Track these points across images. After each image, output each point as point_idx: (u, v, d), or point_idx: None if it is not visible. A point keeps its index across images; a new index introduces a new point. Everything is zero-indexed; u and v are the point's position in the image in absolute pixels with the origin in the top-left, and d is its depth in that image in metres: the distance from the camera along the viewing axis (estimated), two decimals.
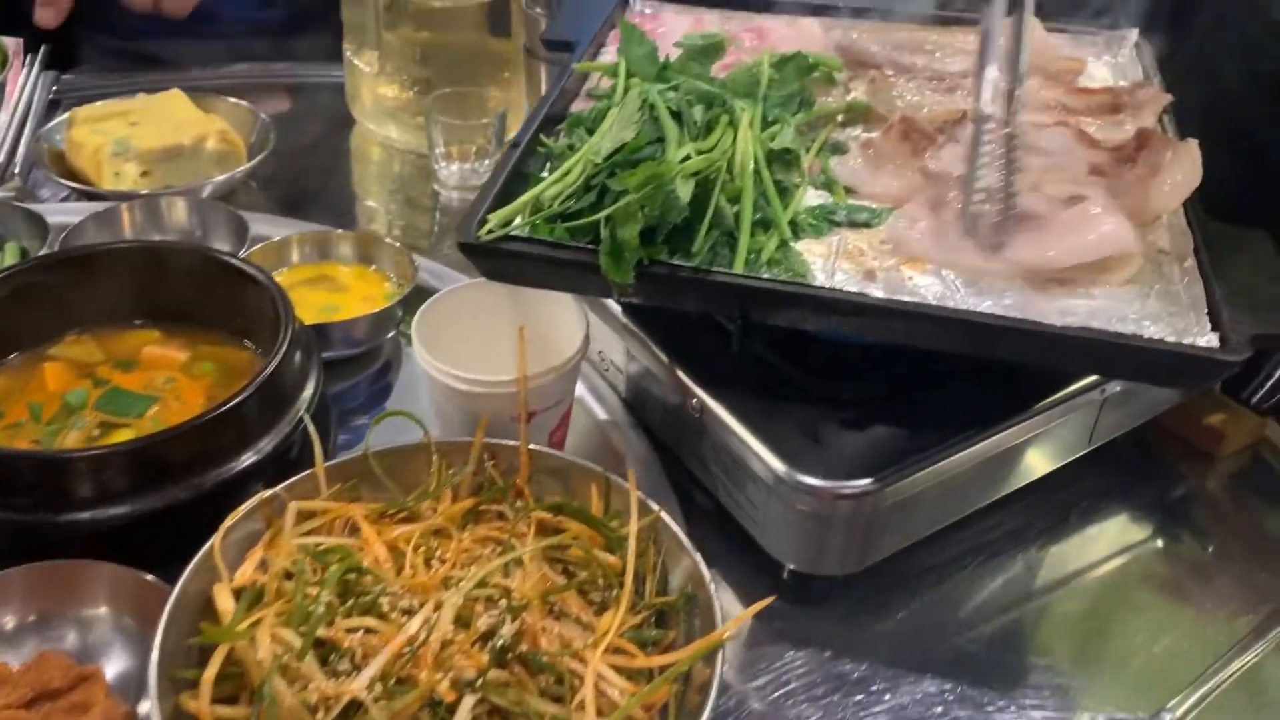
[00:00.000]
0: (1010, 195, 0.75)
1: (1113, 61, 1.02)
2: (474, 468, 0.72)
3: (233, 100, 1.23)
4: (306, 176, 1.26)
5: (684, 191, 0.69)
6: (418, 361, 0.77)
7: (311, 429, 0.71)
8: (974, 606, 0.81)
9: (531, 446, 0.73)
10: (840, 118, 0.91)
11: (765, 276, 0.71)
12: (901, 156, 0.85)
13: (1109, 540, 0.87)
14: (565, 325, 0.80)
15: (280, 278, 0.97)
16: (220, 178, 1.13)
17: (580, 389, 0.89)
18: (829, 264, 0.75)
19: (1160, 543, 0.88)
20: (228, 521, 0.66)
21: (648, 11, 1.08)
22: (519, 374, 0.74)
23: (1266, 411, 0.90)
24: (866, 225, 0.79)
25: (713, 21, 1.05)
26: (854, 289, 0.72)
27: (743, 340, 0.75)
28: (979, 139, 0.75)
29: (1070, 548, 0.86)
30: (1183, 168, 0.78)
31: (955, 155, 0.81)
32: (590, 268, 0.71)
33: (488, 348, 0.79)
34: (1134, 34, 1.02)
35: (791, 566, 0.78)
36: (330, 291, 0.97)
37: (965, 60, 0.98)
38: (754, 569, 0.79)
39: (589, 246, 0.72)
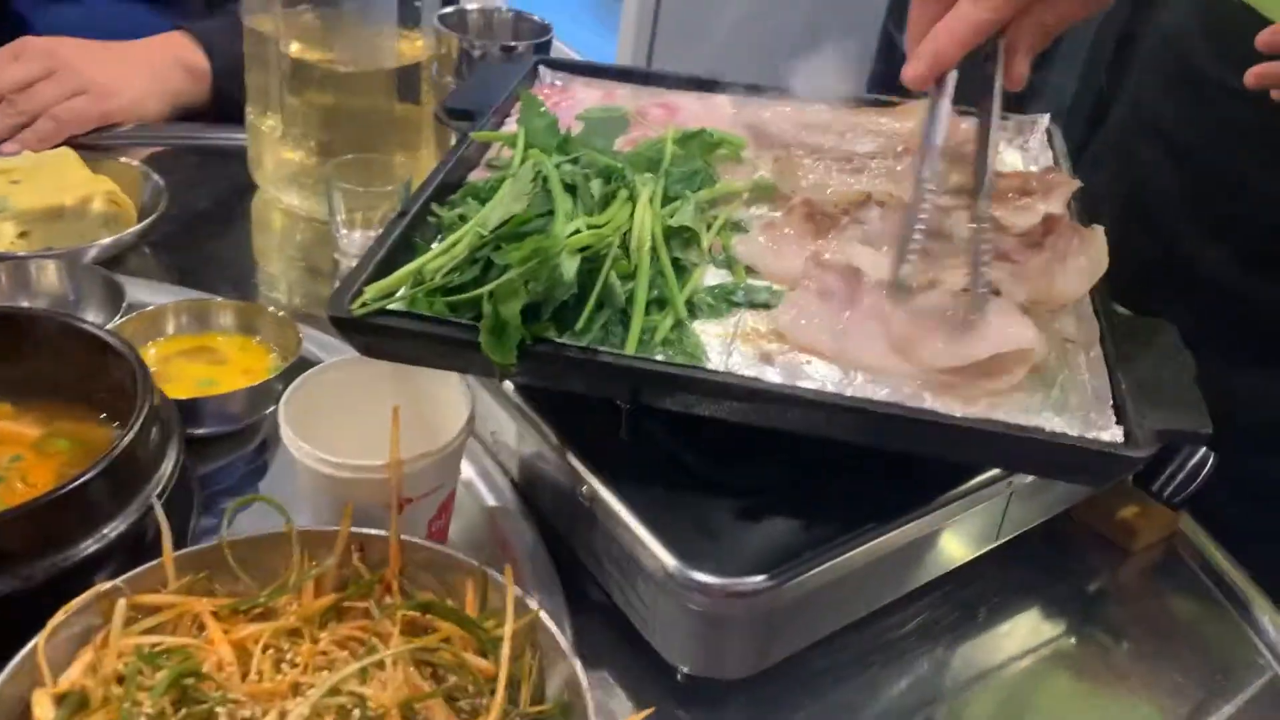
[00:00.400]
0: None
1: (1023, 147, 1.01)
2: (338, 560, 0.66)
3: (125, 161, 1.17)
4: (203, 242, 1.21)
5: (568, 267, 0.66)
6: (284, 443, 0.72)
7: (160, 513, 0.65)
8: (879, 709, 0.76)
9: (404, 538, 0.68)
10: (745, 197, 0.88)
11: (655, 358, 0.67)
12: (803, 238, 0.82)
13: (1020, 638, 0.83)
14: (449, 405, 0.76)
15: (156, 349, 0.91)
16: (106, 241, 1.07)
17: (468, 472, 0.84)
18: (726, 346, 0.72)
19: (1073, 640, 0.84)
20: (56, 618, 0.60)
21: (557, 83, 1.06)
22: (391, 458, 0.69)
23: (1178, 506, 0.87)
24: (766, 307, 0.76)
25: (624, 96, 1.03)
26: (750, 372, 0.69)
27: (633, 426, 0.70)
28: (910, 226, 0.73)
29: (979, 646, 0.82)
30: (1089, 254, 0.77)
31: (856, 238, 0.79)
32: (472, 345, 0.67)
33: (366, 428, 0.74)
34: (1045, 120, 1.01)
35: (685, 669, 0.73)
36: (209, 364, 0.92)
37: (875, 142, 0.96)
38: (648, 670, 0.74)
39: (470, 323, 0.67)
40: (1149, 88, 1.11)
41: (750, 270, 0.80)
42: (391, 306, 0.69)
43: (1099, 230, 0.77)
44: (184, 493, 0.77)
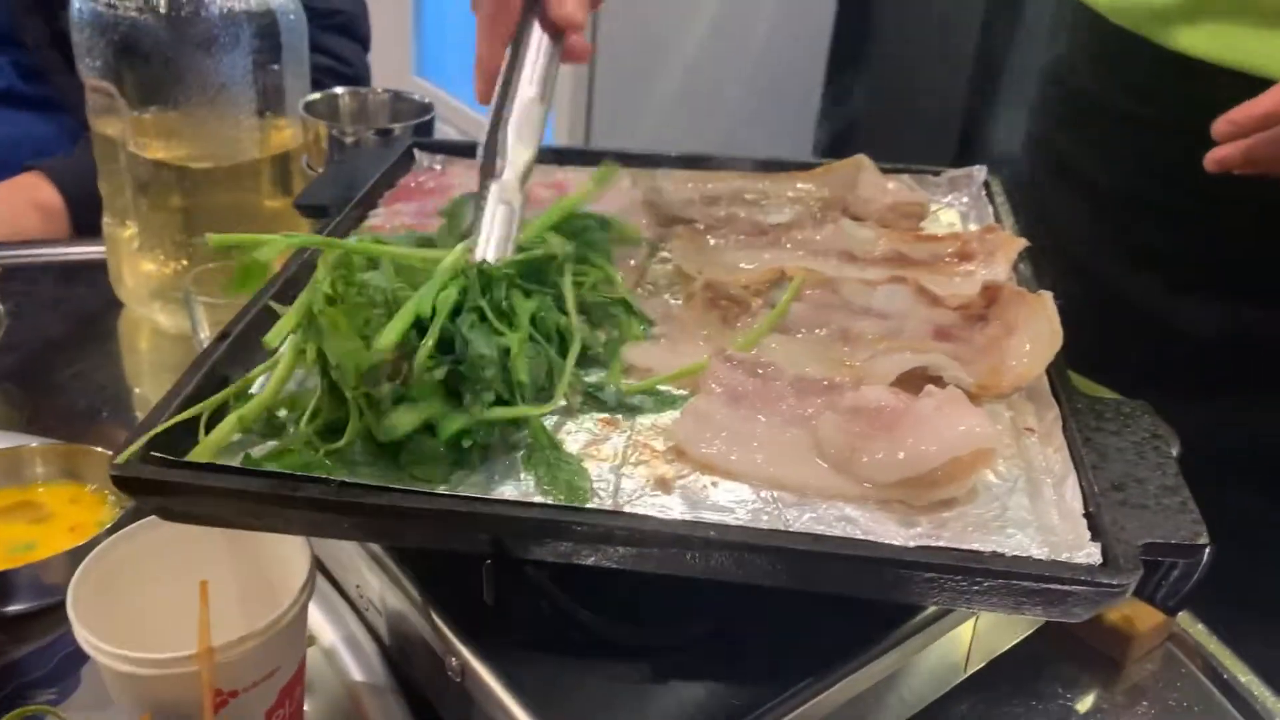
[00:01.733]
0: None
1: (959, 203, 0.90)
2: None
3: None
4: (60, 374, 1.08)
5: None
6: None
7: None
8: None
9: None
10: (639, 287, 0.76)
11: (507, 500, 0.54)
12: (709, 328, 0.70)
13: None
14: (289, 564, 0.62)
15: None
16: None
17: (330, 638, 0.71)
18: (614, 470, 0.59)
19: None
20: None
21: (435, 167, 0.94)
22: (199, 647, 0.55)
23: (1173, 610, 0.75)
24: (667, 409, 0.63)
25: None
26: (638, 508, 0.56)
27: (502, 582, 0.57)
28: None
29: None
30: (1039, 324, 0.65)
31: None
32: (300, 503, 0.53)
33: (193, 603, 0.60)
34: (981, 171, 0.90)
35: None
36: (30, 523, 0.78)
37: (792, 210, 0.85)
38: None
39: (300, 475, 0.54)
40: (1044, 126, 1.04)
41: (647, 374, 0.67)
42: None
43: (1046, 296, 0.65)
44: None
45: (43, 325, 1.10)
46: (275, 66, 1.02)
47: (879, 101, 2.62)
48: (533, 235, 0.71)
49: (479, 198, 0.69)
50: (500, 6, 0.72)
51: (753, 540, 0.52)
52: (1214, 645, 0.79)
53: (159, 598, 0.62)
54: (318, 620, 0.71)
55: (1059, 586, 0.51)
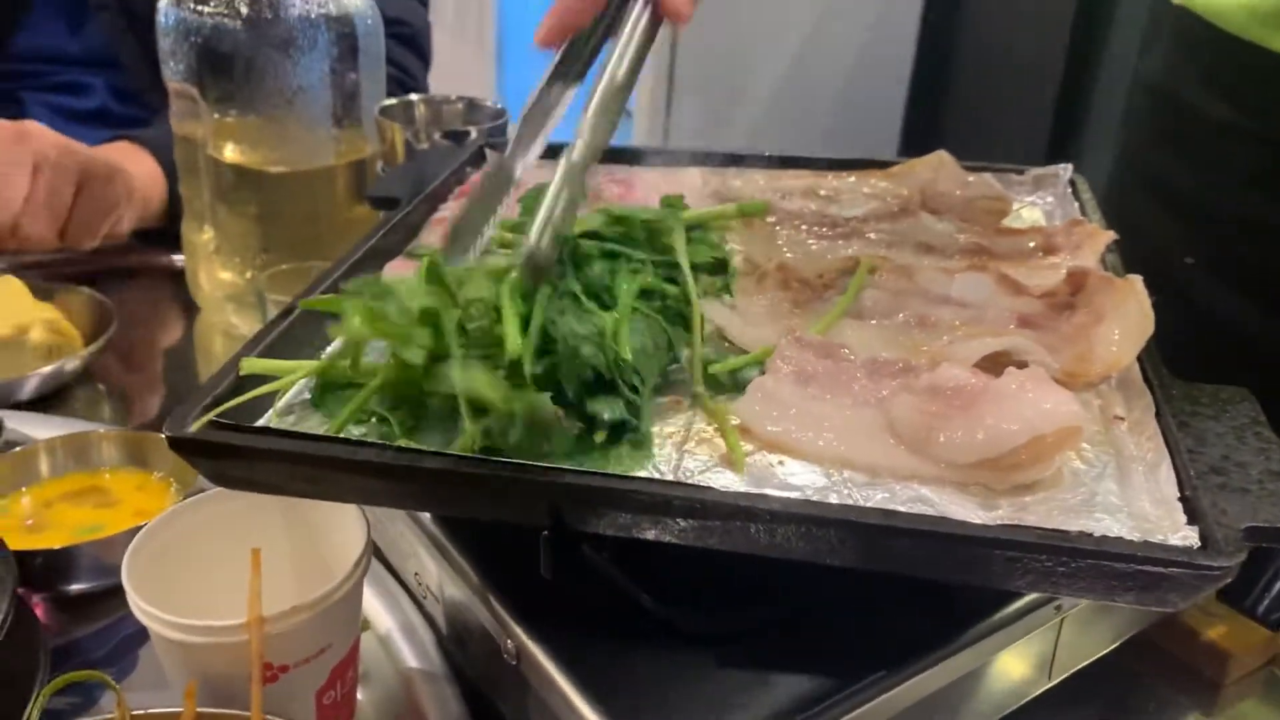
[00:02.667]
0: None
1: (1043, 202, 0.86)
2: None
3: (73, 287, 1.06)
4: (148, 371, 1.10)
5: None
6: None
7: None
8: None
9: (270, 718, 0.52)
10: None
11: (568, 468, 0.52)
12: (780, 310, 0.68)
13: None
14: (346, 541, 0.61)
15: (31, 496, 0.78)
16: (46, 370, 0.96)
17: (387, 624, 0.69)
18: (678, 448, 0.57)
19: None
20: None
21: None
22: (250, 615, 0.54)
23: (1276, 625, 0.70)
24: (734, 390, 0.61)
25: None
26: (702, 481, 0.54)
27: (560, 559, 0.55)
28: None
29: None
30: (1129, 310, 0.61)
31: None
32: (364, 469, 0.52)
33: (244, 582, 0.59)
34: (1067, 170, 0.87)
35: None
36: (97, 508, 0.78)
37: (867, 205, 0.82)
38: None
39: (367, 442, 0.53)
40: (1139, 141, 0.99)
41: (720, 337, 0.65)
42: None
43: (1136, 280, 0.62)
44: (28, 667, 0.62)
45: (135, 327, 1.12)
46: (352, 74, 1.03)
47: (964, 107, 2.58)
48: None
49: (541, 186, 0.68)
50: None
51: (819, 513, 0.50)
52: None
53: (216, 571, 0.61)
54: (375, 607, 0.69)
55: (1153, 569, 0.47)
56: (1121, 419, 0.60)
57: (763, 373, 0.61)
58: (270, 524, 0.63)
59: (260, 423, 0.58)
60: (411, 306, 0.55)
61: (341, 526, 0.61)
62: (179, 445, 0.54)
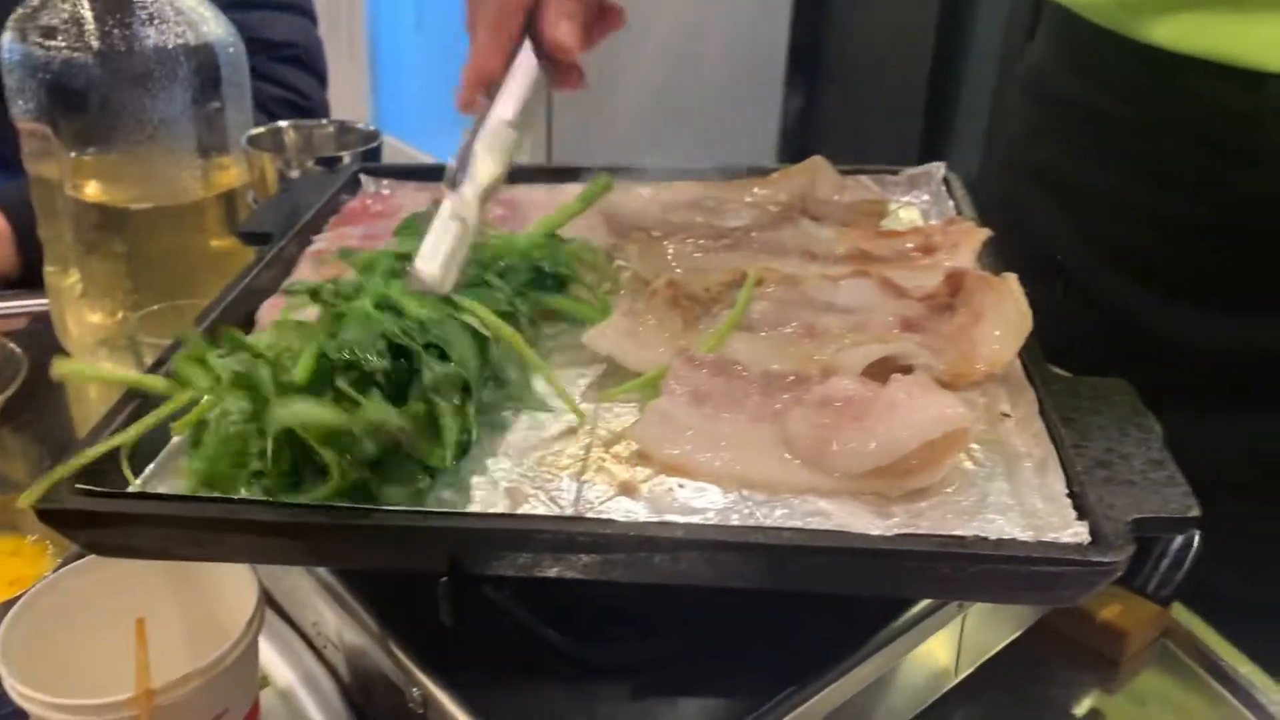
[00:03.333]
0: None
1: (919, 201, 0.88)
2: None
3: None
4: (12, 423, 1.04)
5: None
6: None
7: None
8: None
9: None
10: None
11: (461, 511, 0.51)
12: (671, 328, 0.67)
13: None
14: (236, 599, 0.58)
15: None
16: None
17: (288, 677, 0.67)
18: (576, 478, 0.56)
19: None
20: None
21: (383, 191, 0.92)
22: (137, 688, 0.51)
23: (1166, 600, 0.72)
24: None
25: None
26: (602, 515, 0.53)
27: (461, 602, 0.53)
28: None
29: None
30: (1006, 308, 0.62)
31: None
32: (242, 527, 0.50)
33: (129, 652, 0.57)
34: (940, 168, 0.88)
35: None
36: None
37: (753, 214, 0.83)
38: None
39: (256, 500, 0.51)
40: (1022, 134, 1.01)
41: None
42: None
43: (1011, 279, 0.63)
44: None
45: None
46: (216, 103, 1.00)
47: (839, 108, 2.62)
48: (513, 251, 0.70)
49: (430, 212, 0.67)
50: (503, 15, 0.68)
51: (724, 538, 0.49)
52: (1210, 637, 0.77)
53: (98, 643, 0.58)
54: (273, 660, 0.67)
55: (1048, 569, 0.48)
56: (1008, 415, 0.61)
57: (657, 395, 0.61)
58: (156, 586, 0.60)
59: (137, 483, 0.56)
60: (222, 374, 0.53)
61: (231, 584, 0.59)
62: (48, 517, 0.51)
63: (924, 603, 0.61)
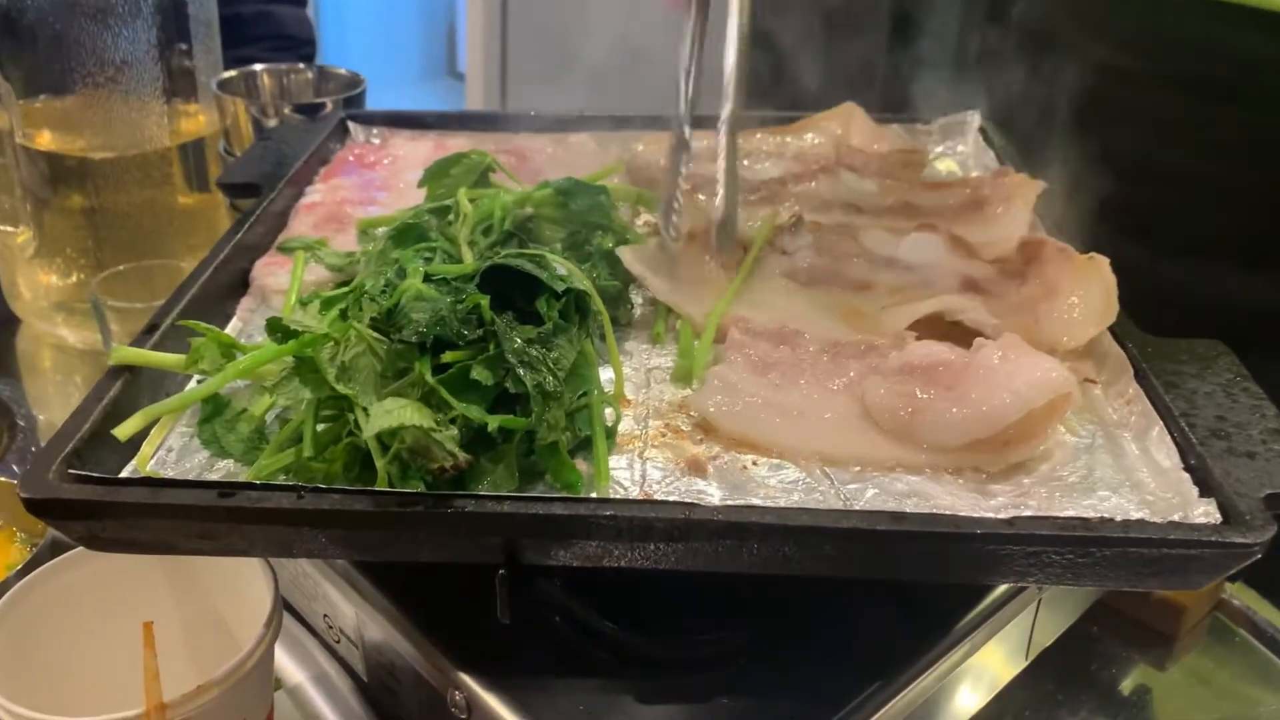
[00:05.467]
0: None
1: (954, 152, 0.83)
2: None
3: None
4: None
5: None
6: None
7: None
8: None
9: None
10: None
11: (532, 496, 0.45)
12: (710, 268, 0.62)
13: None
14: (248, 597, 0.52)
15: None
16: None
17: (297, 676, 0.60)
18: (636, 454, 0.50)
19: None
20: None
21: (374, 140, 0.84)
22: (147, 703, 0.44)
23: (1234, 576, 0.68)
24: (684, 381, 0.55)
25: (459, 145, 0.81)
26: (675, 494, 0.47)
27: (517, 598, 0.47)
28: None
29: None
30: (1093, 292, 0.57)
31: (780, 271, 0.59)
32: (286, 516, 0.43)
33: (129, 651, 0.50)
34: (975, 117, 0.83)
35: None
36: None
37: (780, 165, 0.77)
38: None
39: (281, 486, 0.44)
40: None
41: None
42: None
43: (1103, 261, 0.58)
44: None
45: None
46: (183, 44, 0.91)
47: (805, 52, 2.56)
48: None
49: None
50: None
51: (831, 524, 0.44)
52: (1263, 608, 0.73)
53: (91, 647, 0.51)
54: (280, 659, 0.60)
55: (1183, 551, 0.43)
56: (1093, 381, 0.56)
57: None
58: (153, 585, 0.53)
59: (129, 468, 0.49)
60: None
61: (241, 578, 0.52)
62: (41, 508, 0.44)
63: (1001, 589, 0.56)
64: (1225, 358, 0.55)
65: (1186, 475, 0.48)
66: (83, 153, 0.90)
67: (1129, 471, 0.49)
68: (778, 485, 0.48)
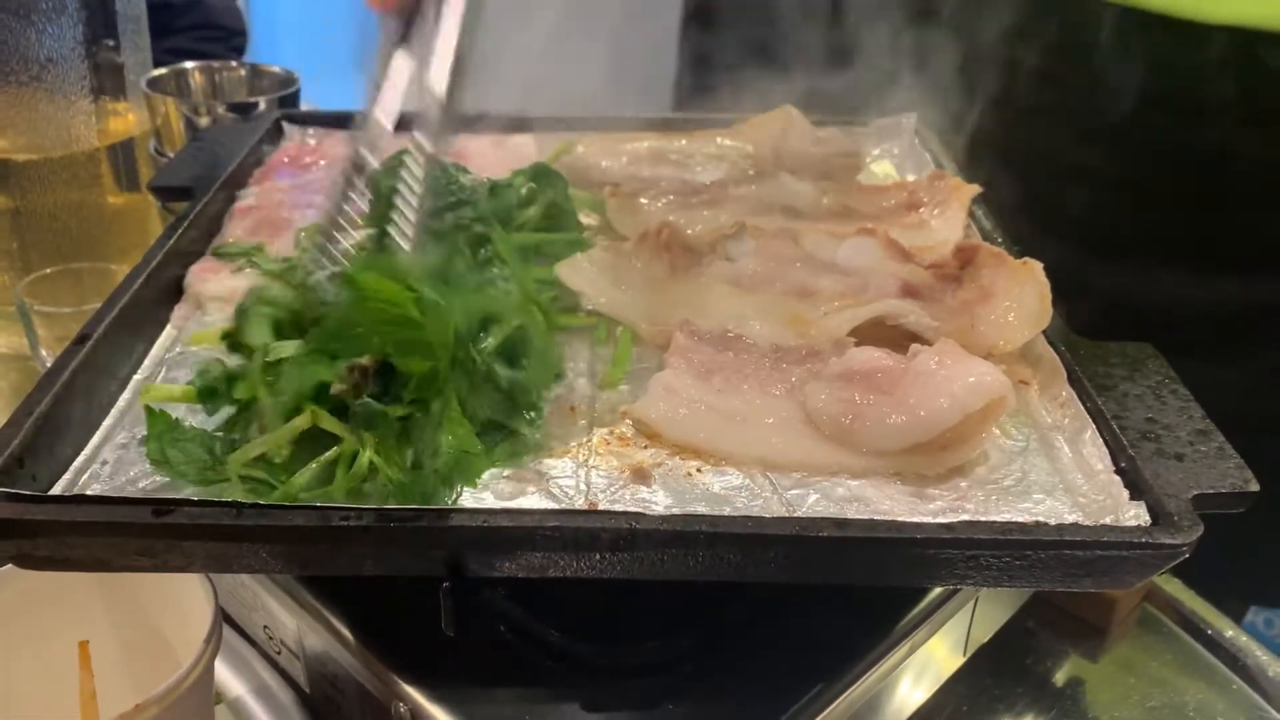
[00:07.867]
0: None
1: (890, 154, 0.84)
2: None
3: None
4: None
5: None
6: None
7: None
8: None
9: None
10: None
11: (477, 508, 0.44)
12: (656, 272, 0.62)
13: None
14: (186, 610, 0.51)
15: None
16: None
17: (237, 689, 0.59)
18: (579, 461, 0.50)
19: None
20: None
21: (309, 141, 0.83)
22: None
23: None
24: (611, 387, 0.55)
25: (397, 145, 0.80)
26: (619, 503, 0.47)
27: (461, 609, 0.47)
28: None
29: None
30: (1027, 297, 0.58)
31: (723, 278, 0.60)
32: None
33: (64, 669, 0.49)
34: (911, 118, 0.84)
35: None
36: None
37: (720, 168, 0.77)
38: None
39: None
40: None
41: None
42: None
43: (1036, 266, 0.59)
44: None
45: None
46: (110, 40, 0.89)
47: (738, 50, 2.57)
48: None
49: None
50: None
51: (768, 531, 0.44)
52: (1189, 599, 0.76)
53: (25, 668, 0.50)
54: (220, 671, 0.60)
55: (1114, 553, 0.44)
56: (1026, 384, 0.57)
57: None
58: (87, 602, 0.52)
59: (61, 485, 0.48)
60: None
61: (179, 592, 0.51)
62: None
63: (936, 591, 0.57)
64: (1154, 360, 0.56)
65: (1118, 478, 0.49)
66: (6, 154, 0.88)
67: (1062, 474, 0.51)
68: (721, 491, 0.49)
